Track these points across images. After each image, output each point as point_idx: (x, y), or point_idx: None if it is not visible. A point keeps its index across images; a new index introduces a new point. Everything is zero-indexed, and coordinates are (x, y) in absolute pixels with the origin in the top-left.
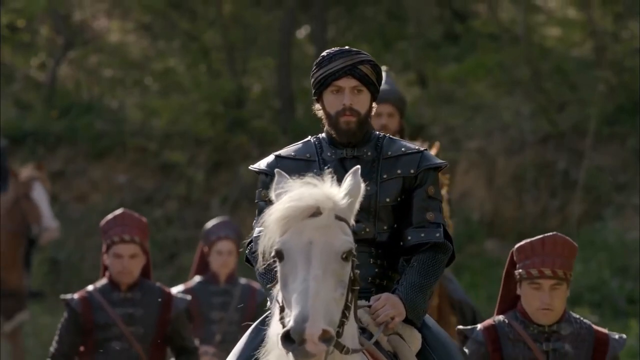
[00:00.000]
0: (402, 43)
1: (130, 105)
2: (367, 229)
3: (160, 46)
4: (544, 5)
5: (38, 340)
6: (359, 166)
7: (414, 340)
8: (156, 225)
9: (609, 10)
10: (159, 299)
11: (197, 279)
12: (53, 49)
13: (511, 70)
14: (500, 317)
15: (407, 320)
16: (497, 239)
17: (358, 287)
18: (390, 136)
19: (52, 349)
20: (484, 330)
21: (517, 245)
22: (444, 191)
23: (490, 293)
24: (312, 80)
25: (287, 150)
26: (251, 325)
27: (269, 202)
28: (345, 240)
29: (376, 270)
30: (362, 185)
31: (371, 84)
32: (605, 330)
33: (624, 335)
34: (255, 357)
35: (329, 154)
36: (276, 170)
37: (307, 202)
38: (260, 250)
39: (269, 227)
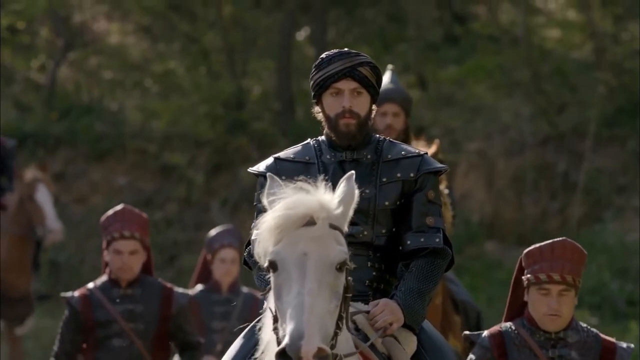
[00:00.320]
0: (402, 45)
1: (130, 107)
2: (365, 232)
3: (160, 48)
4: (543, 7)
5: (38, 343)
6: (353, 172)
7: (410, 343)
8: (156, 227)
9: (609, 12)
10: (160, 295)
11: (199, 287)
12: (53, 50)
13: (511, 72)
14: (507, 324)
15: (405, 326)
16: (497, 241)
17: (351, 295)
18: (391, 139)
19: (55, 348)
20: (490, 336)
21: (525, 251)
22: (442, 186)
23: (490, 295)
24: (312, 82)
25: (286, 153)
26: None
27: (264, 209)
28: (340, 250)
29: (373, 273)
30: (356, 192)
31: (371, 86)
32: (612, 340)
33: (632, 345)
34: (251, 357)
35: (328, 156)
36: (268, 174)
37: (301, 211)
38: (256, 256)
39: (262, 236)
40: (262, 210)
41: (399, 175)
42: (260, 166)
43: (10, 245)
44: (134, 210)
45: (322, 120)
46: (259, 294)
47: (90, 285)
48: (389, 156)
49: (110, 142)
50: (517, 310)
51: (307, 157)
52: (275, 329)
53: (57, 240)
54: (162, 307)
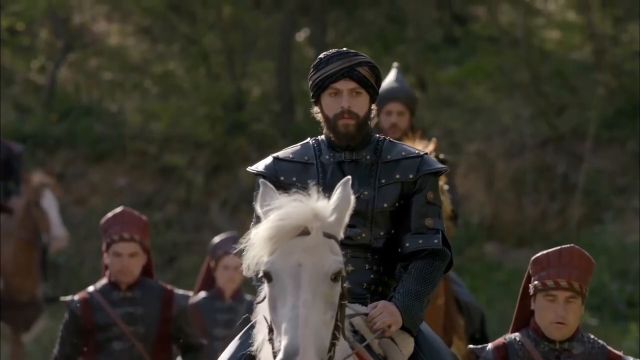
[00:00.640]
0: (402, 46)
1: (129, 108)
2: (363, 235)
3: (159, 49)
4: (543, 8)
5: (38, 344)
6: (349, 177)
7: (407, 345)
8: (156, 228)
9: (609, 14)
10: (160, 297)
11: (202, 294)
12: (53, 52)
13: (511, 73)
14: (512, 335)
15: (403, 328)
16: (497, 243)
17: (347, 302)
18: (391, 139)
19: (55, 351)
20: (495, 350)
21: (533, 257)
22: (441, 182)
23: (489, 296)
24: (310, 82)
25: (285, 153)
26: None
27: (258, 219)
28: (334, 260)
29: (371, 276)
30: (352, 197)
31: (370, 86)
32: (619, 353)
33: None
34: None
35: (327, 157)
36: (261, 180)
37: (295, 222)
38: (244, 265)
39: (256, 246)
40: (257, 217)
41: (397, 176)
42: (259, 166)
43: (16, 250)
44: (134, 213)
45: (321, 120)
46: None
47: (90, 288)
48: (389, 157)
49: (109, 143)
50: (525, 320)
51: (306, 157)
52: (271, 340)
53: (61, 247)
54: (163, 309)
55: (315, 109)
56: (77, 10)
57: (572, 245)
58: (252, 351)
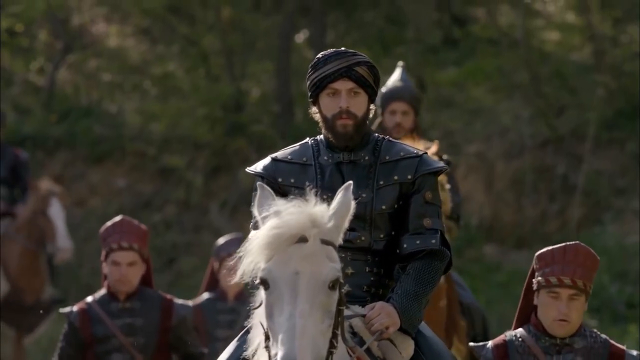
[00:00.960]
0: (401, 47)
1: (129, 109)
2: (363, 238)
3: (159, 50)
4: (543, 9)
5: (38, 346)
6: (350, 182)
7: (406, 347)
8: (155, 229)
9: (608, 15)
10: (159, 307)
11: (205, 295)
12: (52, 53)
13: (510, 74)
14: (513, 332)
15: (401, 329)
16: (496, 244)
17: (344, 307)
18: (390, 139)
19: None
20: (494, 348)
21: (538, 253)
22: (442, 180)
23: (489, 297)
24: (308, 82)
25: (283, 153)
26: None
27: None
28: (332, 268)
29: (372, 278)
30: (352, 203)
31: (368, 86)
32: (622, 347)
33: None
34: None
35: (325, 157)
36: (258, 184)
37: (292, 230)
38: (239, 272)
39: (253, 252)
40: (256, 220)
41: (396, 177)
42: (258, 166)
43: (21, 257)
44: (133, 222)
45: (319, 121)
46: None
47: (89, 299)
48: (387, 157)
49: (109, 144)
50: (528, 315)
51: (304, 158)
52: (267, 347)
53: (66, 258)
54: (162, 319)
55: (314, 109)
56: (77, 12)
57: (577, 242)
58: (246, 356)
